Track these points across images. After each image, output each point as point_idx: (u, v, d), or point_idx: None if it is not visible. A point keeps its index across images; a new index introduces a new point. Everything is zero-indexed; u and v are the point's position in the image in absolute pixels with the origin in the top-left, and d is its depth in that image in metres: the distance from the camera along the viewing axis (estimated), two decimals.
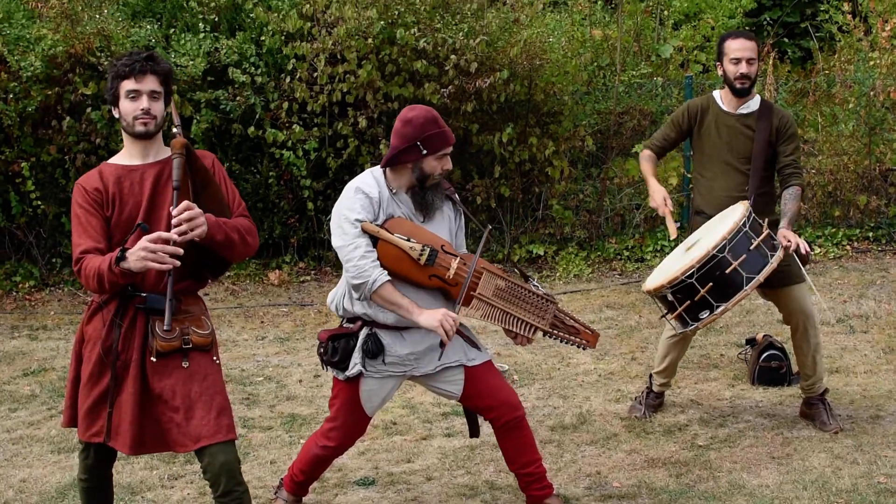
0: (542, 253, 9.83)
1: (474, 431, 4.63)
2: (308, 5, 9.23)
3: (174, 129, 3.89)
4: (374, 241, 4.11)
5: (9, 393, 6.57)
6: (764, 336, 6.43)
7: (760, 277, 4.80)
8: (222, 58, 9.13)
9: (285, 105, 9.19)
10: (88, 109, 8.84)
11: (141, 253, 3.54)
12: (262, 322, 8.30)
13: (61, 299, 9.01)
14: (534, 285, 4.33)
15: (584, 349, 4.41)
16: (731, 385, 6.29)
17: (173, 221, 3.61)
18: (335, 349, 4.26)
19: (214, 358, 3.90)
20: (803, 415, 5.64)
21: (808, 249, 5.08)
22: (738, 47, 5.38)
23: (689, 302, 4.87)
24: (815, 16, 13.31)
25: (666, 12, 12.21)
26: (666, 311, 5.09)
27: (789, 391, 6.07)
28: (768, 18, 14.35)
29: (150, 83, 3.74)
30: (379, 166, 4.27)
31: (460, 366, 4.36)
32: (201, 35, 9.18)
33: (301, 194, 9.43)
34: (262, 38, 9.26)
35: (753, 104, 5.43)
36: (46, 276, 9.35)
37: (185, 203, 3.62)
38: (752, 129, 5.37)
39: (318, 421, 5.77)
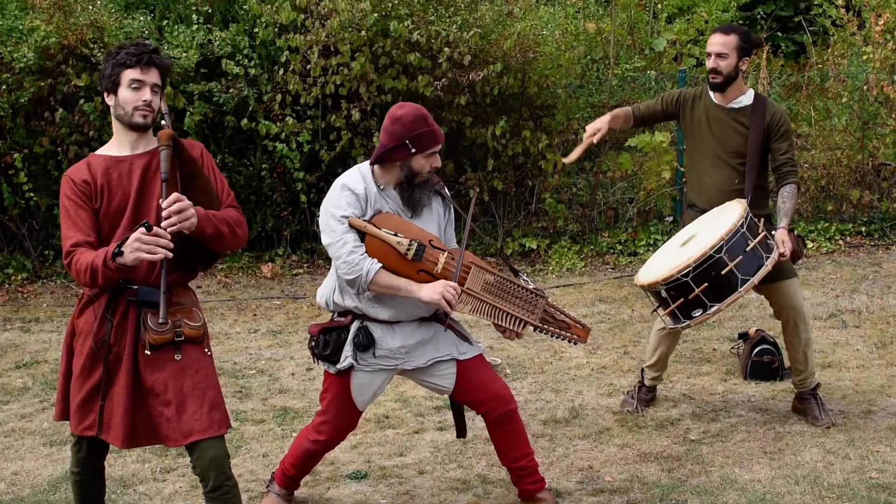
0: (534, 246, 9.82)
1: (461, 431, 4.63)
2: None
3: (162, 122, 3.87)
4: (362, 236, 4.10)
5: (1, 385, 6.55)
6: (756, 331, 6.44)
7: (755, 280, 4.79)
8: (215, 49, 9.10)
9: (278, 97, 9.17)
10: (81, 101, 8.83)
11: (134, 244, 3.53)
12: (254, 315, 8.29)
13: (54, 291, 8.99)
14: (523, 280, 4.33)
15: (574, 344, 4.40)
16: (724, 380, 6.30)
17: (163, 213, 3.59)
18: (326, 342, 4.26)
19: (206, 350, 3.89)
20: (795, 410, 5.65)
21: (799, 247, 5.10)
22: (710, 41, 5.40)
23: (682, 299, 4.86)
24: (809, 10, 13.33)
25: (659, 6, 12.21)
26: (658, 306, 5.09)
27: (781, 386, 6.08)
28: (762, 12, 14.36)
29: (154, 76, 3.75)
30: (367, 162, 4.27)
31: (452, 360, 4.37)
32: (194, 27, 9.16)
33: (294, 187, 9.42)
34: (256, 29, 9.23)
35: (746, 99, 5.40)
36: (39, 268, 9.33)
37: (174, 195, 3.61)
38: (744, 125, 5.35)
39: (310, 414, 5.77)
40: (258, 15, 9.22)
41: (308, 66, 9.15)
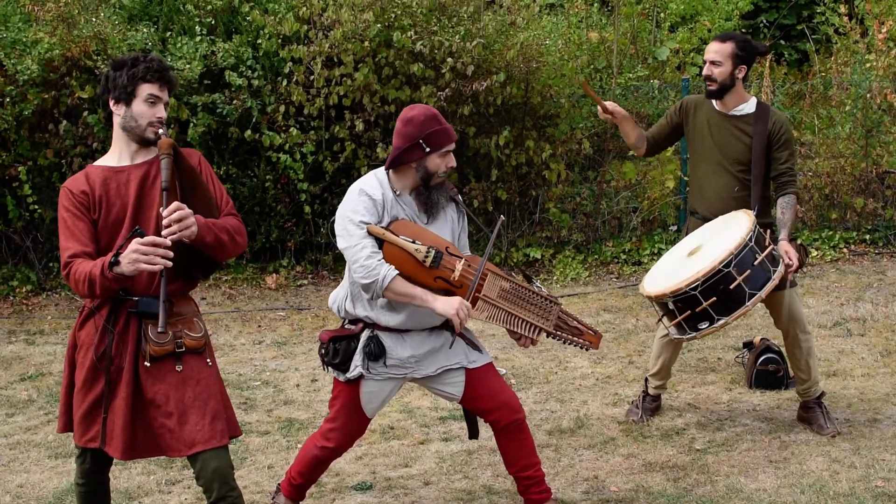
0: (539, 256, 9.82)
1: (473, 433, 4.63)
2: (304, 8, 9.23)
3: (160, 131, 3.88)
4: (380, 243, 4.11)
5: (6, 398, 6.56)
6: (761, 339, 6.43)
7: (763, 294, 4.77)
8: (219, 61, 9.12)
9: (282, 108, 9.18)
10: (85, 113, 8.85)
11: (132, 255, 3.53)
12: (259, 326, 8.29)
13: (58, 304, 9.00)
14: (536, 287, 4.33)
15: (587, 350, 4.40)
16: (729, 389, 6.29)
17: (164, 223, 3.59)
18: (336, 350, 4.27)
19: (208, 360, 3.89)
20: (800, 418, 5.64)
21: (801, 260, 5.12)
22: (707, 49, 5.43)
23: (689, 312, 4.83)
24: (812, 18, 13.34)
25: (662, 15, 12.23)
26: (662, 315, 5.08)
27: (786, 395, 6.07)
28: (765, 21, 14.37)
29: (167, 93, 3.81)
30: (382, 168, 4.28)
31: (461, 368, 4.37)
32: (198, 38, 9.17)
33: (298, 198, 9.42)
34: (259, 41, 9.25)
35: (748, 107, 5.39)
36: (43, 280, 9.34)
37: (175, 204, 3.61)
38: (745, 133, 5.34)
39: (315, 425, 5.76)
40: (261, 26, 9.23)
41: (311, 77, 9.16)
